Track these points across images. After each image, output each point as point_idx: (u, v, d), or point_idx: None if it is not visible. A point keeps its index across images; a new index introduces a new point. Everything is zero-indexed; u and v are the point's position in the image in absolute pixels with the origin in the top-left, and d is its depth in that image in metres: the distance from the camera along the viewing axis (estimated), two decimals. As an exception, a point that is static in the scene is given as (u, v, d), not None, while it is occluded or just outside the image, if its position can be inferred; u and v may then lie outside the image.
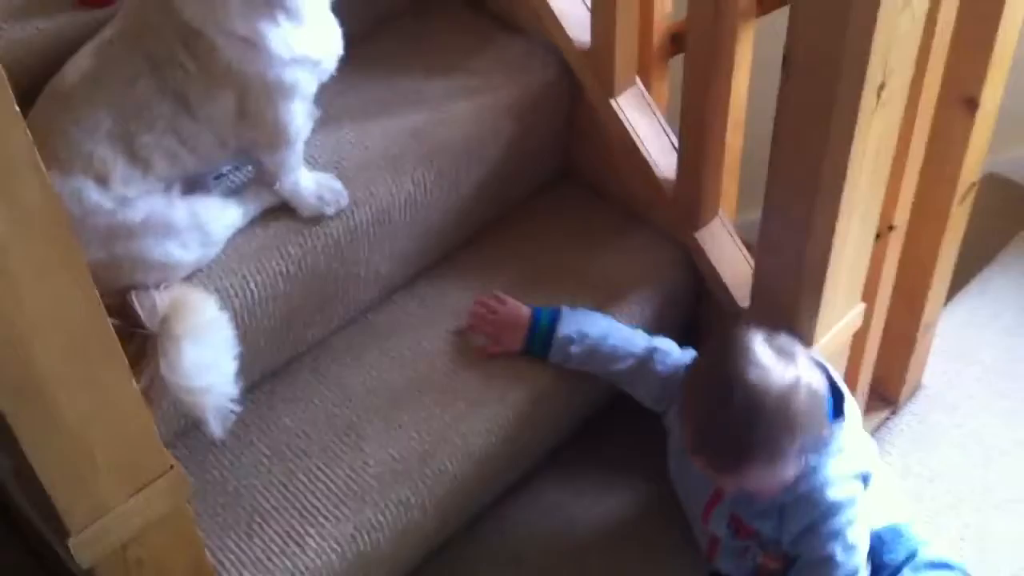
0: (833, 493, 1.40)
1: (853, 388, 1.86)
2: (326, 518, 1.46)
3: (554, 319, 1.60)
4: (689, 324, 1.85)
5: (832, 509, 1.41)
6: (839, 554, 1.41)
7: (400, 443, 1.54)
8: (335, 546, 1.44)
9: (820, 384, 1.39)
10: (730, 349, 1.36)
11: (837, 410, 1.44)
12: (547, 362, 1.62)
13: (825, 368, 1.46)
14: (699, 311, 1.83)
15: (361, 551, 1.46)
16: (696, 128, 1.65)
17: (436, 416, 1.57)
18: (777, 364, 1.34)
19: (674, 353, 1.59)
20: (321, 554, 1.43)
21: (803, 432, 1.34)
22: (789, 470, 1.36)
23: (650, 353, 1.58)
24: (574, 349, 1.58)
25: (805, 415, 1.33)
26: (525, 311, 1.62)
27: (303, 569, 1.42)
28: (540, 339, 1.59)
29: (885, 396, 2.07)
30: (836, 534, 1.41)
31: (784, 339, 1.40)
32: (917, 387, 2.11)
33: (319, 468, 1.52)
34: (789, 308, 1.60)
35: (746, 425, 1.32)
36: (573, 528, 1.67)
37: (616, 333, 1.60)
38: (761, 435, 1.32)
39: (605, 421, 1.80)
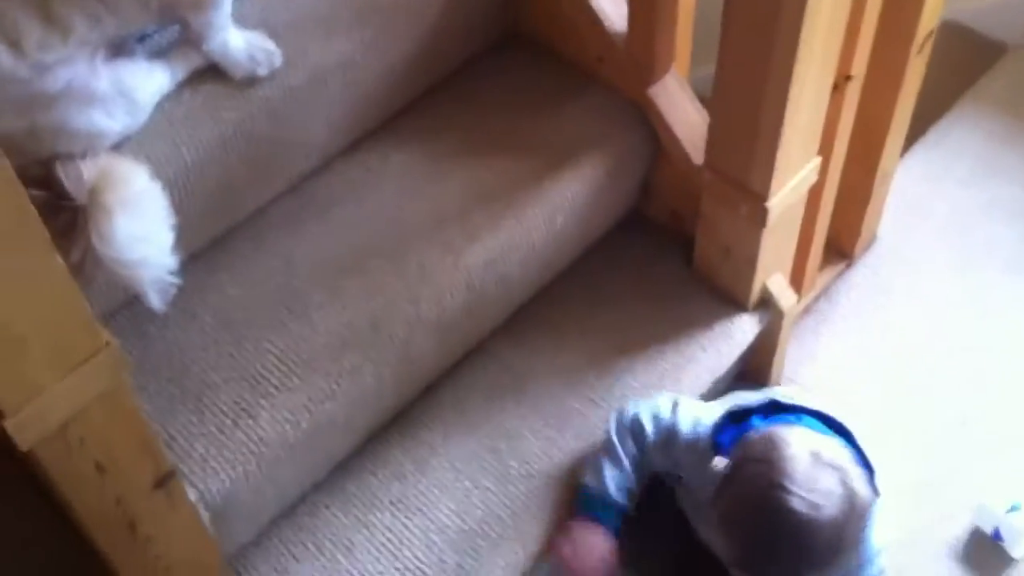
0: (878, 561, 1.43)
1: (808, 242, 1.84)
2: (277, 388, 1.43)
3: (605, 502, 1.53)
4: (645, 184, 1.81)
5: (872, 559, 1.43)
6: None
7: (349, 311, 1.50)
8: (288, 416, 1.42)
9: (866, 493, 1.31)
10: (767, 467, 1.29)
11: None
12: (501, 227, 1.57)
13: (861, 452, 1.41)
14: (654, 170, 1.79)
15: (315, 420, 1.44)
16: (648, -23, 1.58)
17: (385, 283, 1.53)
18: (825, 485, 1.27)
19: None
20: (275, 424, 1.41)
21: (854, 546, 1.31)
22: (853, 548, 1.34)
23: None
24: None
25: (856, 533, 1.30)
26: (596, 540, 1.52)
27: (256, 440, 1.40)
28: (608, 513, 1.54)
29: (841, 250, 2.06)
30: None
31: (827, 446, 1.33)
32: (872, 240, 2.10)
33: (267, 339, 1.48)
34: (744, 163, 1.57)
35: (798, 554, 1.27)
36: (524, 387, 1.66)
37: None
38: (815, 560, 1.28)
39: (562, 286, 1.77)
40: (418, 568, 1.49)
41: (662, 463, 1.54)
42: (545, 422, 1.64)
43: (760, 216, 1.60)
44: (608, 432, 1.55)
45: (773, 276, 1.77)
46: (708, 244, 1.75)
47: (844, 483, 1.27)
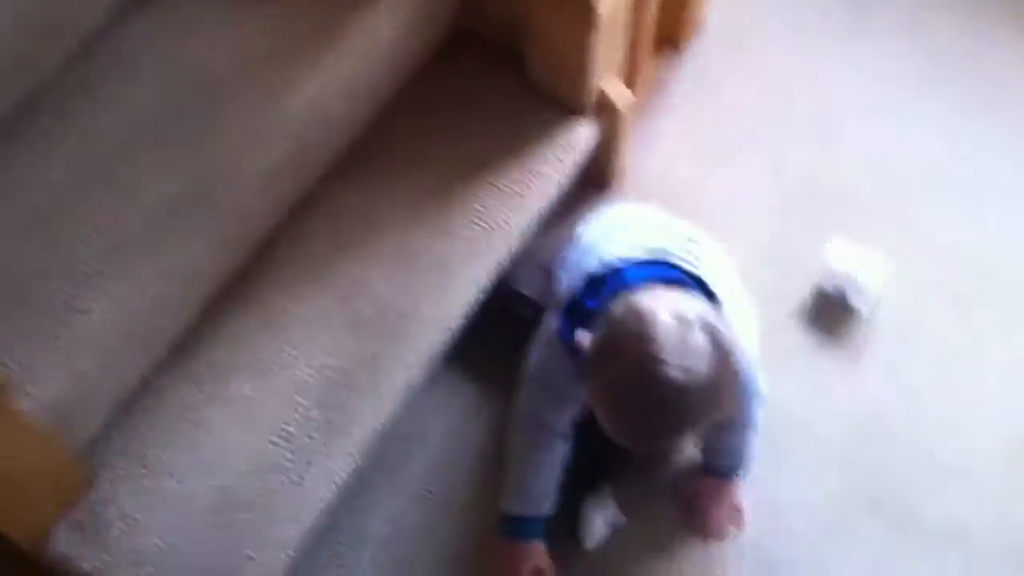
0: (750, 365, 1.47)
1: (639, 38, 1.79)
2: (102, 275, 1.35)
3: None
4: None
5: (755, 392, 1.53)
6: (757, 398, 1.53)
7: (167, 179, 1.41)
8: (119, 303, 1.34)
9: (731, 336, 1.32)
10: (637, 342, 1.27)
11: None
12: (316, 64, 1.48)
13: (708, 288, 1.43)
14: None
15: (149, 302, 1.37)
16: None
17: (202, 143, 1.44)
18: (695, 347, 1.27)
19: None
20: (106, 315, 1.33)
21: (733, 392, 1.33)
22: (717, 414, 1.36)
23: None
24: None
25: (732, 380, 1.31)
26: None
27: (88, 335, 1.32)
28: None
29: (672, 40, 2.02)
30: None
31: (688, 305, 1.32)
32: (703, 26, 2.06)
33: (84, 223, 1.38)
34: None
35: (680, 418, 1.30)
36: (366, 230, 1.62)
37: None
38: (699, 419, 1.31)
39: (393, 119, 1.70)
40: (284, 431, 1.47)
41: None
42: (394, 261, 1.60)
43: (590, 19, 1.54)
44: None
45: (607, 78, 1.73)
46: (541, 54, 1.68)
47: (713, 338, 1.28)
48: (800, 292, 1.85)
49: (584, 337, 1.36)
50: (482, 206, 1.65)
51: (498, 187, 1.67)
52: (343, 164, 1.64)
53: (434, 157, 1.68)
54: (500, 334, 1.73)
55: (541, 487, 1.57)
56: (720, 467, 1.65)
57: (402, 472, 1.71)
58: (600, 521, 1.66)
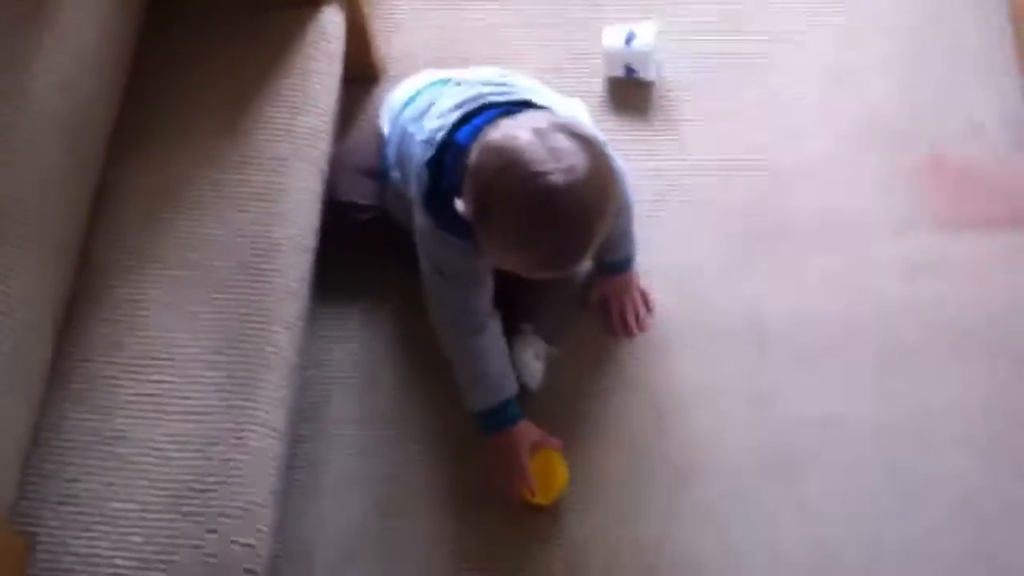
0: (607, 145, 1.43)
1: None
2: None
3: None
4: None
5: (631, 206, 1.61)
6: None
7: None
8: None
9: (592, 130, 1.37)
10: (511, 171, 1.26)
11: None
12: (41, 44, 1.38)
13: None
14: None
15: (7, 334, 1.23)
16: None
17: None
18: (565, 148, 1.27)
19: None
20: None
21: (617, 182, 1.35)
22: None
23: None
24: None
25: (610, 166, 1.31)
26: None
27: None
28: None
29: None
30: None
31: (537, 118, 1.32)
32: None
33: None
34: None
35: (584, 219, 1.28)
36: (175, 195, 1.51)
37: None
38: (603, 211, 1.29)
39: (147, 83, 1.59)
40: (198, 411, 1.35)
41: None
42: (217, 210, 1.50)
43: None
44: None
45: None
46: None
47: (573, 134, 1.28)
48: (596, 87, 1.87)
49: (460, 205, 1.33)
50: (275, 122, 1.57)
51: (280, 99, 1.60)
52: (117, 142, 1.53)
53: (206, 99, 1.59)
54: (352, 250, 1.67)
55: (498, 370, 1.52)
56: (616, 262, 1.65)
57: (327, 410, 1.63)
58: (533, 359, 1.62)
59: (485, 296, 1.50)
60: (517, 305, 1.62)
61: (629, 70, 1.86)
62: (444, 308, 1.51)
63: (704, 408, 1.60)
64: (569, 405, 1.62)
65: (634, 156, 1.72)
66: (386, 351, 1.67)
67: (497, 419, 1.52)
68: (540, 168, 1.24)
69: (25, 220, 1.31)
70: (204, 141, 1.55)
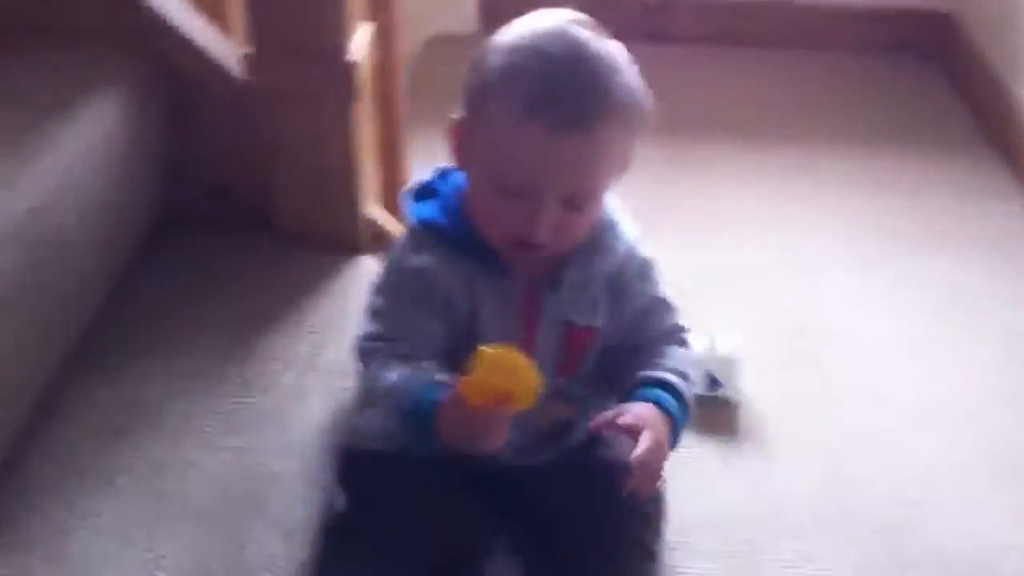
0: (645, 252, 1.17)
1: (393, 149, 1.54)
2: None
3: None
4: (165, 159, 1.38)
5: (654, 267, 1.18)
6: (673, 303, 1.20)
7: None
8: None
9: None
10: (548, 28, 1.04)
11: None
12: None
13: None
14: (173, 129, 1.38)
15: None
16: None
17: None
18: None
19: None
20: None
21: (643, 102, 1.07)
22: (624, 158, 1.07)
23: None
24: None
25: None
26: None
27: None
28: None
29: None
30: (662, 287, 1.19)
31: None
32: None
33: None
34: (309, 22, 1.26)
35: (602, 73, 1.02)
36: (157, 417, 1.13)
37: None
38: (619, 81, 1.03)
39: (126, 304, 1.26)
40: None
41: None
42: (203, 433, 1.11)
43: (344, 79, 1.29)
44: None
45: (371, 207, 1.44)
46: (289, 184, 1.38)
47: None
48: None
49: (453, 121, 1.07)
50: (295, 352, 1.25)
51: (307, 331, 1.28)
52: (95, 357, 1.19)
53: (212, 321, 1.27)
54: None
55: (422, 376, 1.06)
56: (654, 384, 1.13)
57: None
58: None
59: (434, 340, 1.10)
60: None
61: (712, 382, 1.54)
62: (377, 324, 1.11)
63: None
64: None
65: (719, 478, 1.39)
66: None
67: (425, 405, 1.03)
68: (576, 27, 1.04)
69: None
70: (201, 360, 1.21)
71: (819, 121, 2.25)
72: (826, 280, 1.79)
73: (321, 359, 1.24)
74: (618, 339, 1.16)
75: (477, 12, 2.48)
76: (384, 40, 1.43)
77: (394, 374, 1.07)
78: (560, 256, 1.10)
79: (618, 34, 1.06)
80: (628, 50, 1.05)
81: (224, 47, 1.35)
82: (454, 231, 1.10)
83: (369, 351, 1.12)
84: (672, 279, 1.20)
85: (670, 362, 1.14)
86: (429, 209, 1.12)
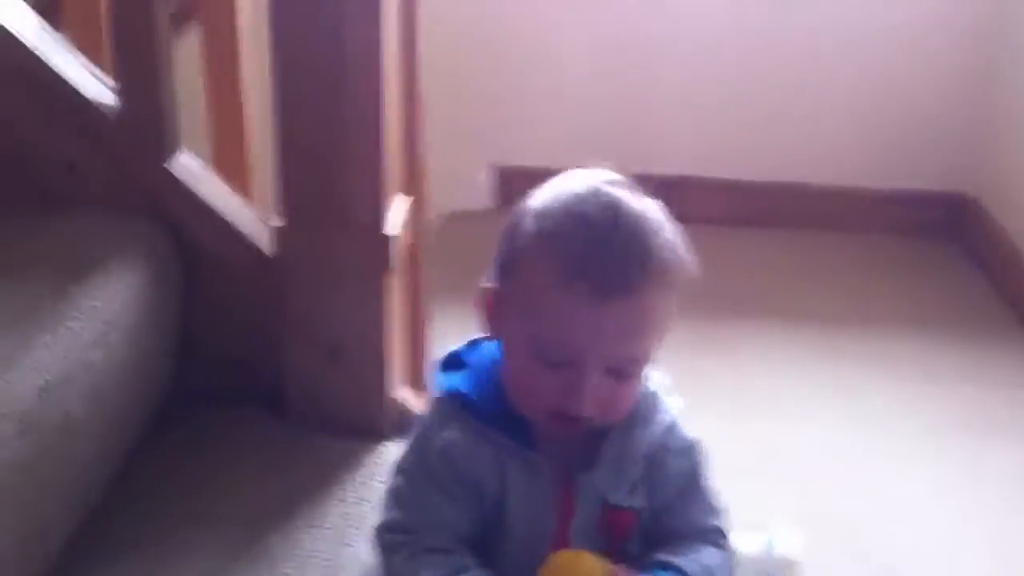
0: (689, 431, 1.06)
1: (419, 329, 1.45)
2: None
3: None
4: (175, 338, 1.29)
5: (698, 449, 1.06)
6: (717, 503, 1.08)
7: None
8: None
9: None
10: (582, 190, 0.98)
11: None
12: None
13: None
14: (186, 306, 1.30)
15: None
16: None
17: None
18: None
19: None
20: None
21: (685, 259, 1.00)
22: (666, 320, 0.98)
23: None
24: None
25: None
26: None
27: None
28: None
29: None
30: (706, 478, 1.07)
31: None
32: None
33: None
34: (347, 194, 1.19)
35: (642, 233, 0.95)
36: None
37: None
38: (660, 241, 0.96)
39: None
40: None
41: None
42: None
43: (379, 251, 1.21)
44: None
45: (397, 388, 1.35)
46: (309, 361, 1.28)
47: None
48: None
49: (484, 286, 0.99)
50: (317, 551, 1.13)
51: (324, 525, 1.17)
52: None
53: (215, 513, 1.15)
54: None
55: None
56: (662, 566, 1.02)
57: None
58: None
59: (460, 526, 0.99)
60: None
61: (769, 578, 1.41)
62: (399, 512, 1.00)
63: None
64: None
65: None
66: None
67: None
68: (608, 191, 0.97)
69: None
70: (208, 561, 1.08)
71: (844, 302, 2.21)
72: (866, 469, 1.71)
73: (340, 559, 1.12)
74: (651, 523, 1.04)
75: (492, 189, 2.46)
76: (415, 214, 1.37)
77: (428, 572, 0.95)
78: (597, 431, 1.00)
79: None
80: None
81: (248, 216, 1.27)
82: (484, 403, 1.00)
83: (391, 544, 1.00)
84: (719, 462, 1.10)
85: (694, 554, 1.03)
86: (458, 380, 1.03)
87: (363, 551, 1.11)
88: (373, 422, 1.31)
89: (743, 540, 1.40)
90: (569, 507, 1.00)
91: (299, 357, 1.28)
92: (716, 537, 1.06)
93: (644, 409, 1.03)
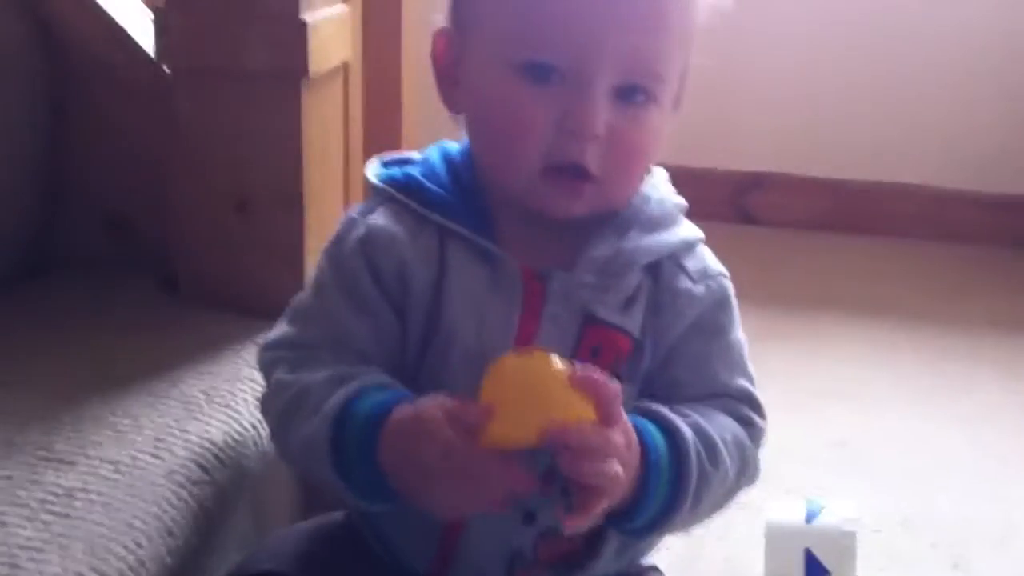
0: (718, 265, 0.79)
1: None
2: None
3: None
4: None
5: (727, 284, 0.78)
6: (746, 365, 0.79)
7: None
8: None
9: None
10: None
11: None
12: None
13: None
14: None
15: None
16: None
17: None
18: None
19: None
20: None
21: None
22: (688, 39, 0.74)
23: None
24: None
25: None
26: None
27: None
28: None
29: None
30: (735, 329, 0.79)
31: None
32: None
33: None
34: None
35: None
36: None
37: None
38: None
39: None
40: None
41: None
42: None
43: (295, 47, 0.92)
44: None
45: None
46: (204, 210, 0.99)
47: None
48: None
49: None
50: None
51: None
52: None
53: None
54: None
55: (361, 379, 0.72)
56: (649, 416, 0.71)
57: None
58: None
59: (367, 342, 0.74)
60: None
61: (815, 566, 1.04)
62: (294, 326, 0.76)
63: None
64: None
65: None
66: None
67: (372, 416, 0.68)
68: None
69: None
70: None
71: (937, 305, 1.89)
72: (943, 466, 1.39)
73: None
74: (654, 371, 0.75)
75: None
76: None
77: (315, 374, 0.71)
78: (583, 228, 0.73)
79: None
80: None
81: (135, 8, 1.00)
82: (431, 187, 0.75)
83: (273, 361, 0.75)
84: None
85: (701, 417, 0.73)
86: (399, 172, 0.76)
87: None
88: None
89: (777, 509, 1.08)
90: (533, 314, 0.72)
91: (193, 206, 0.99)
92: (739, 407, 0.76)
93: (654, 210, 0.76)
